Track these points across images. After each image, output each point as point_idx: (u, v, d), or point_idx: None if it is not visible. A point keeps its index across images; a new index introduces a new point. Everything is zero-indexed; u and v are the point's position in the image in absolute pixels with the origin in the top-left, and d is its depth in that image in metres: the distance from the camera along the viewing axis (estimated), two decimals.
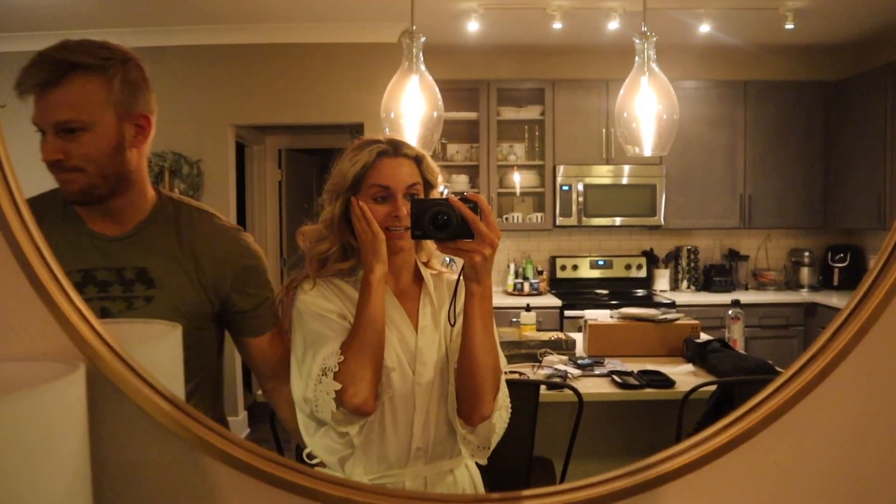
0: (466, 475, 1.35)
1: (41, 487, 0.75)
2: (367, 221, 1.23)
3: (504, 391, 1.27)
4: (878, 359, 1.10)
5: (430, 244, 1.36)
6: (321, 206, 1.32)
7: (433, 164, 1.31)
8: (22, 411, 0.72)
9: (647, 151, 2.17)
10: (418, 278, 1.37)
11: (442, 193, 1.35)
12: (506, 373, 1.30)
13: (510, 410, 1.28)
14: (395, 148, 1.28)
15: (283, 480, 1.02)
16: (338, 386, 1.17)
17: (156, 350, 0.98)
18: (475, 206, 1.12)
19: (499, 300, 3.76)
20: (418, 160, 1.29)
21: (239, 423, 2.77)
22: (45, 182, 1.22)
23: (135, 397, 0.94)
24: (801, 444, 1.12)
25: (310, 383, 1.20)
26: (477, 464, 1.40)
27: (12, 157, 0.92)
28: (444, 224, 1.12)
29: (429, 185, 1.31)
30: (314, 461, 1.30)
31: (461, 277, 1.20)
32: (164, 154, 2.96)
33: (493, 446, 1.27)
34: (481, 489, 1.38)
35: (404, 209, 1.23)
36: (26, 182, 0.97)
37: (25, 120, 1.16)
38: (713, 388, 1.93)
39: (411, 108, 2.11)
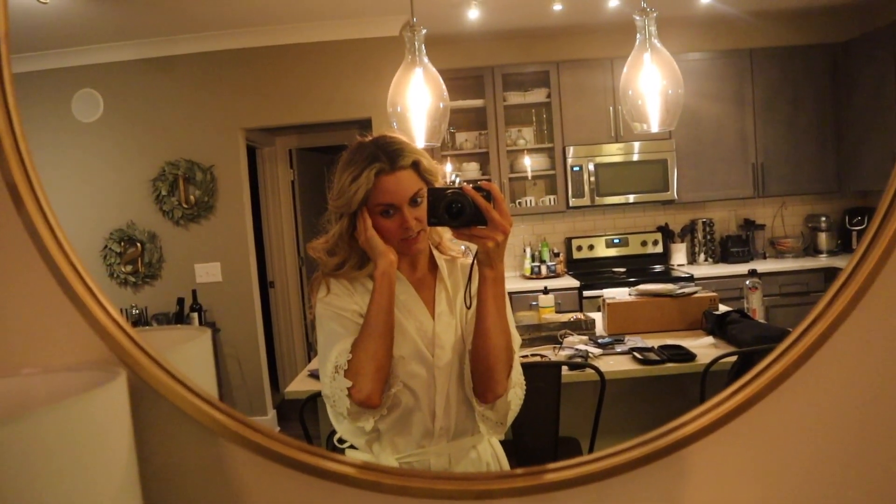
0: (489, 450, 1.40)
1: (93, 490, 0.78)
2: (365, 235, 1.28)
3: (518, 369, 1.31)
4: (876, 321, 1.13)
5: (440, 229, 1.40)
6: (327, 221, 1.35)
7: (431, 164, 1.33)
8: (70, 418, 0.76)
9: (655, 127, 2.17)
10: (433, 266, 1.40)
11: (455, 182, 1.38)
12: (523, 355, 1.34)
13: (525, 388, 1.32)
14: (392, 162, 1.29)
15: (316, 468, 1.06)
16: (349, 383, 1.21)
17: (188, 353, 1.01)
18: (488, 195, 1.16)
19: (517, 284, 3.77)
20: (416, 166, 1.31)
21: (268, 421, 2.82)
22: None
23: (173, 399, 0.98)
24: (805, 405, 1.16)
25: (325, 380, 1.24)
26: (506, 447, 1.44)
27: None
28: (459, 212, 1.16)
29: (430, 185, 1.33)
30: (345, 444, 1.34)
31: (475, 262, 1.23)
32: (177, 162, 3.00)
33: (509, 422, 1.31)
34: (505, 463, 1.43)
35: (411, 218, 1.27)
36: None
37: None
38: (734, 358, 1.94)
39: (417, 101, 2.12)
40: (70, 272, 0.94)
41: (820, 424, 1.17)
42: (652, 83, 2.10)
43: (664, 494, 1.17)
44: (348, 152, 1.32)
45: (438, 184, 1.32)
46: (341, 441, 1.35)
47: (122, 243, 2.81)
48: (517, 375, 1.30)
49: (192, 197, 3.01)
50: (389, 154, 1.29)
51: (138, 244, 2.84)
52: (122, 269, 2.79)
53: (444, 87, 2.14)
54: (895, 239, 1.07)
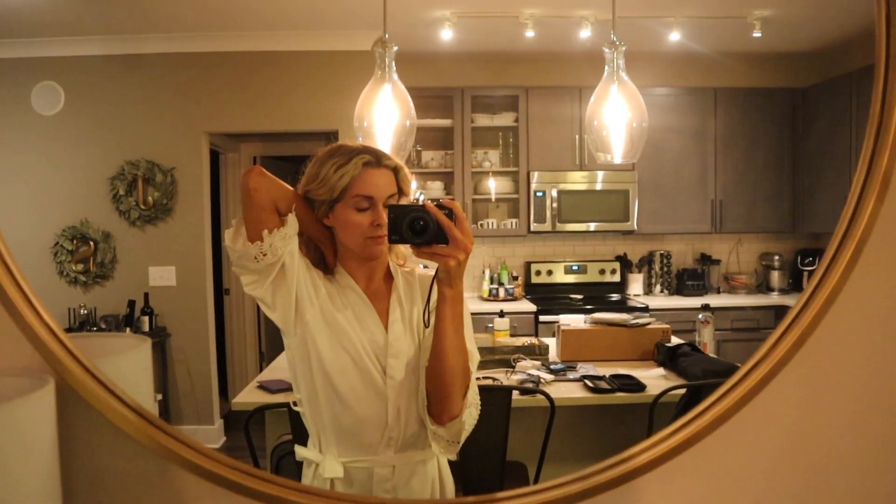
0: (436, 469, 1.38)
1: (12, 498, 0.75)
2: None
3: (474, 389, 1.30)
4: (816, 366, 1.15)
5: (402, 247, 1.39)
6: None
7: (408, 174, 1.35)
8: None
9: (618, 159, 2.19)
10: (389, 277, 1.40)
11: (418, 200, 1.38)
12: (479, 377, 1.33)
13: (479, 408, 1.31)
14: (378, 159, 1.31)
15: (252, 489, 1.03)
16: None
17: (124, 363, 0.98)
18: (450, 213, 1.15)
19: (474, 306, 3.77)
20: (396, 171, 1.33)
21: (215, 431, 2.77)
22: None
23: (104, 410, 0.95)
24: (749, 443, 1.17)
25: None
26: (451, 468, 1.43)
27: None
28: (422, 230, 1.14)
29: (402, 194, 1.34)
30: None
31: (434, 281, 1.23)
32: (138, 162, 2.95)
33: (462, 441, 1.30)
34: (450, 483, 1.41)
35: (385, 218, 1.26)
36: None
37: None
38: (682, 391, 1.96)
39: (384, 117, 2.12)
40: (3, 274, 0.91)
41: (764, 463, 1.18)
42: (617, 115, 2.12)
43: None
44: (330, 147, 1.32)
45: (408, 195, 1.33)
46: (296, 434, 1.34)
47: (75, 241, 2.76)
48: (473, 396, 1.29)
49: (150, 198, 2.96)
50: (375, 152, 1.32)
51: (91, 243, 2.78)
52: (73, 268, 2.74)
53: (411, 104, 2.13)
54: (841, 282, 1.09)
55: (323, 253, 1.35)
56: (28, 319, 0.91)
